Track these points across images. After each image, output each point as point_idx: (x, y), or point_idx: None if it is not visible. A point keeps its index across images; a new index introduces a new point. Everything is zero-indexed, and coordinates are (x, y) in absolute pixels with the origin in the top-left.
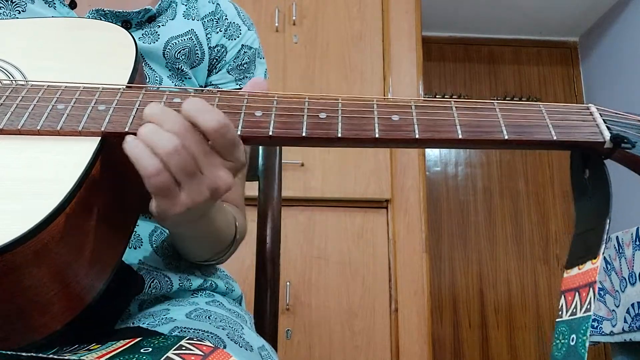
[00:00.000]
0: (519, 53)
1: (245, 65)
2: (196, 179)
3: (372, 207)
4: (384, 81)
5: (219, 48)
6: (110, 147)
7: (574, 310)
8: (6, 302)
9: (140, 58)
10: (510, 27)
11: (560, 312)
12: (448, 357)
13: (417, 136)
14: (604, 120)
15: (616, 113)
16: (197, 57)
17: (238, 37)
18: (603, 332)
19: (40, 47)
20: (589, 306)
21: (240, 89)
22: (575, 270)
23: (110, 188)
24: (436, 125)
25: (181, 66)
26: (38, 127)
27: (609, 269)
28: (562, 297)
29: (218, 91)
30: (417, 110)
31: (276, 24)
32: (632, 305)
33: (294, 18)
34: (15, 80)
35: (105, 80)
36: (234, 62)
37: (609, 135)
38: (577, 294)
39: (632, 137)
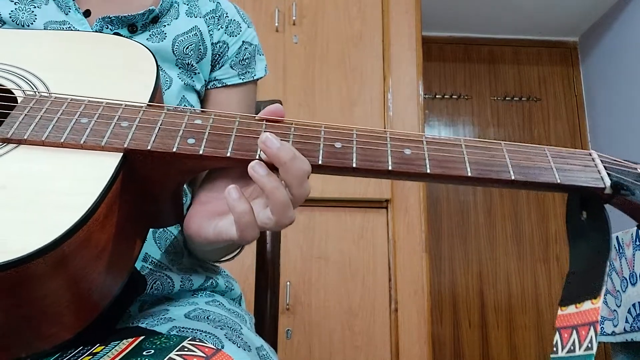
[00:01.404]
0: (519, 53)
1: (246, 61)
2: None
3: (372, 207)
4: (384, 81)
5: (220, 44)
6: (132, 164)
7: (572, 348)
8: (18, 310)
9: (160, 75)
10: (510, 27)
11: (555, 349)
12: (448, 357)
13: (428, 171)
14: (604, 167)
15: (616, 160)
16: (201, 51)
17: (239, 34)
18: (605, 332)
19: (63, 60)
20: (590, 345)
21: (243, 83)
22: (572, 309)
23: (129, 202)
24: (446, 162)
25: (190, 61)
26: (62, 140)
27: (609, 269)
28: (557, 333)
29: (238, 114)
30: (428, 145)
31: (276, 24)
32: (634, 305)
33: (294, 18)
34: (38, 92)
35: (127, 97)
36: (236, 57)
37: (610, 182)
38: (574, 331)
39: (631, 185)
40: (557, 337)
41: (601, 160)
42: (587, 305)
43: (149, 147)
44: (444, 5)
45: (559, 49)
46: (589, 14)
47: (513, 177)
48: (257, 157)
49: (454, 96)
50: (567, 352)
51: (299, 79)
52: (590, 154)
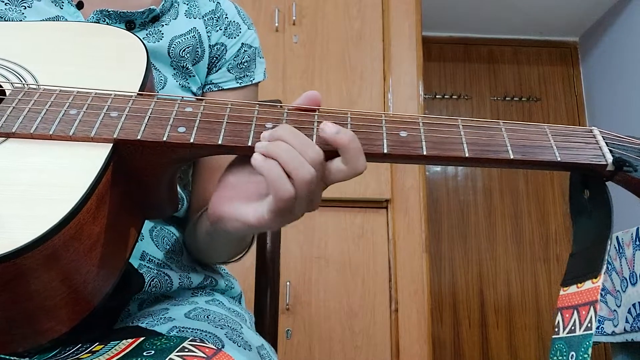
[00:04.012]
0: (519, 53)
1: (245, 64)
2: (308, 203)
3: (372, 207)
4: (384, 81)
5: (218, 46)
6: (122, 154)
7: (572, 328)
8: (14, 306)
9: (151, 65)
10: (510, 27)
11: (556, 329)
12: (448, 357)
13: (424, 153)
14: (606, 143)
15: (618, 136)
16: (198, 54)
17: (238, 35)
18: (605, 332)
19: (51, 51)
20: (589, 324)
21: (240, 87)
22: (573, 288)
23: (120, 193)
24: (443, 143)
25: (186, 64)
26: (50, 132)
27: (609, 269)
28: (559, 314)
29: (229, 101)
30: (425, 127)
31: (276, 24)
32: (634, 305)
33: (294, 18)
34: (27, 84)
35: (117, 87)
36: (234, 60)
37: (612, 158)
38: (575, 311)
39: (634, 161)
40: (558, 317)
41: (603, 137)
42: (588, 284)
43: (138, 137)
44: (444, 5)
45: (559, 49)
46: (589, 14)
47: (512, 157)
48: (249, 143)
49: (454, 96)
50: (568, 332)
51: (299, 79)
52: (591, 131)
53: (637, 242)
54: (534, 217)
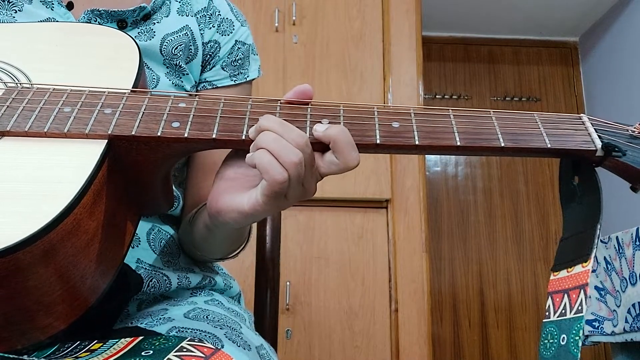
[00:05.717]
0: (519, 53)
1: (239, 61)
2: (300, 188)
3: (372, 207)
4: (384, 81)
5: (212, 44)
6: (117, 150)
7: (563, 312)
8: (11, 301)
9: (143, 63)
10: (510, 27)
11: (547, 313)
12: (448, 357)
13: (417, 143)
14: (595, 129)
15: (607, 123)
16: (191, 52)
17: (231, 32)
18: (604, 332)
19: (44, 51)
20: (580, 307)
21: (235, 85)
22: (563, 273)
23: (116, 189)
24: (435, 133)
25: (179, 62)
26: (45, 130)
27: (609, 269)
28: (549, 298)
29: (223, 97)
30: (416, 117)
31: (276, 24)
32: (633, 305)
33: (294, 18)
34: (20, 83)
35: (110, 85)
36: (228, 58)
37: (601, 143)
38: (565, 295)
39: (622, 146)
40: (549, 301)
41: (592, 123)
42: (577, 269)
43: (133, 133)
44: (444, 5)
45: (559, 49)
46: (589, 14)
47: (503, 144)
48: (243, 136)
49: (454, 96)
50: (559, 315)
51: (298, 79)
52: (580, 118)
53: (637, 242)
54: (534, 217)
